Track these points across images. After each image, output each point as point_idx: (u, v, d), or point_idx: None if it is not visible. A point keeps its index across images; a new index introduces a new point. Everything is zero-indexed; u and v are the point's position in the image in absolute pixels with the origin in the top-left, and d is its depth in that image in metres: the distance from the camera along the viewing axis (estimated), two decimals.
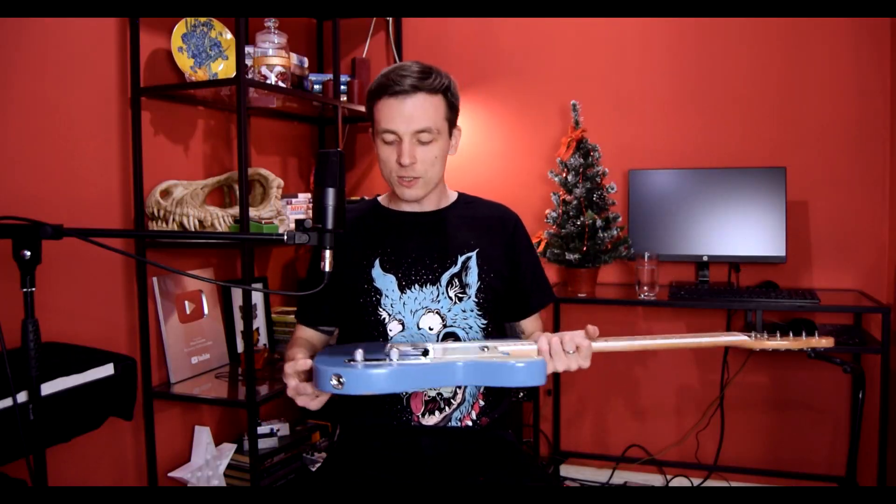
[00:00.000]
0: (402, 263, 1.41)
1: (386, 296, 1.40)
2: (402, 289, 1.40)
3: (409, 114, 1.34)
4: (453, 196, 1.54)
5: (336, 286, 1.42)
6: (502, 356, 1.20)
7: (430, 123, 1.36)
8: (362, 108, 2.60)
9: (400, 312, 1.39)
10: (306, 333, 1.52)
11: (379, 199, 1.55)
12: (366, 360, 1.15)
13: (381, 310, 1.40)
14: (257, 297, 2.49)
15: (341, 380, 1.11)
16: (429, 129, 1.36)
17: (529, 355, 1.22)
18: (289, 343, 1.52)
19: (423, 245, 1.43)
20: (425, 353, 1.21)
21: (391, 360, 1.16)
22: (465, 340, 1.38)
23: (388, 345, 1.27)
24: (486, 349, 1.25)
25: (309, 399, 1.25)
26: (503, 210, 1.55)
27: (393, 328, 1.39)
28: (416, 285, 1.40)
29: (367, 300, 1.40)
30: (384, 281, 1.40)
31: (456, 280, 1.41)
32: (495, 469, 1.34)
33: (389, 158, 1.38)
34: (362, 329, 1.41)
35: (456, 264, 1.42)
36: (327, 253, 1.17)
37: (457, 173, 2.80)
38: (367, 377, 1.12)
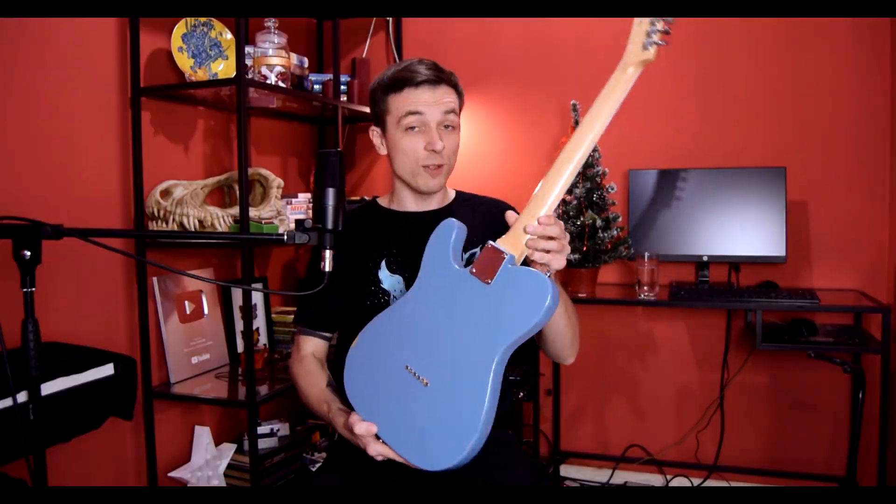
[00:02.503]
0: (409, 264, 1.41)
1: (395, 297, 1.40)
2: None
3: (437, 98, 1.37)
4: (452, 193, 1.55)
5: (340, 289, 1.42)
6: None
7: (455, 107, 1.40)
8: (362, 109, 2.60)
9: None
10: (311, 346, 1.49)
11: (378, 200, 1.55)
12: None
13: None
14: (257, 297, 2.49)
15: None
16: (455, 110, 1.40)
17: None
18: (302, 373, 1.44)
19: None
20: None
21: None
22: None
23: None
24: None
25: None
26: (502, 204, 1.55)
27: None
28: None
29: (374, 302, 1.40)
30: (392, 282, 1.41)
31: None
32: (495, 469, 1.34)
33: (415, 147, 1.38)
34: None
35: (462, 261, 1.43)
36: (327, 253, 1.17)
37: (457, 173, 2.79)
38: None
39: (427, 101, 1.36)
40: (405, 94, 1.37)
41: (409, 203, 1.48)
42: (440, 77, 1.38)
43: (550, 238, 1.14)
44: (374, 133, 1.46)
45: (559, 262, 1.15)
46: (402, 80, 1.37)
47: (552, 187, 1.15)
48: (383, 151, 1.46)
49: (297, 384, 1.47)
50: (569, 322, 1.35)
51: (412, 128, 1.37)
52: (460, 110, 1.45)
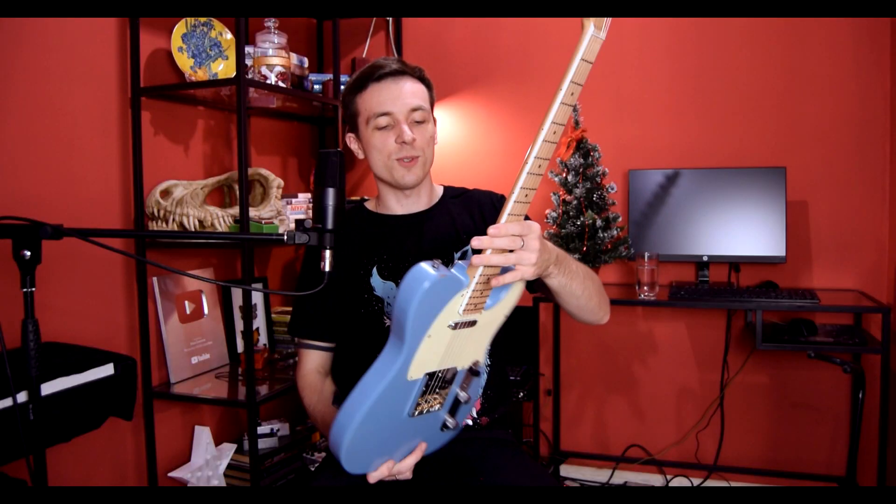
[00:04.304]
0: (401, 269, 1.39)
1: (388, 303, 1.39)
2: None
3: (402, 93, 1.37)
4: (440, 190, 1.53)
5: (334, 297, 1.41)
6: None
7: (421, 102, 1.39)
8: None
9: None
10: (313, 361, 1.46)
11: (365, 204, 1.53)
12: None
13: (385, 318, 1.39)
14: (257, 297, 2.49)
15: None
16: (422, 106, 1.39)
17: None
18: (307, 392, 1.42)
19: (419, 247, 1.42)
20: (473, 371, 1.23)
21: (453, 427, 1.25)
22: None
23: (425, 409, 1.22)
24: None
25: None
26: (491, 195, 1.53)
27: None
28: None
29: (368, 310, 1.40)
30: (385, 289, 1.40)
31: None
32: (495, 469, 1.34)
33: (386, 143, 1.37)
34: (365, 339, 1.40)
35: (453, 262, 1.41)
36: (327, 253, 1.17)
37: (456, 172, 2.80)
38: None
39: (393, 98, 1.36)
40: (370, 92, 1.37)
41: (395, 205, 1.46)
42: (402, 69, 1.38)
43: (507, 249, 1.10)
44: (350, 139, 1.46)
45: (527, 259, 1.11)
46: (365, 77, 1.38)
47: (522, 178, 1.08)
48: (361, 155, 1.45)
49: (304, 405, 1.45)
50: (589, 293, 1.30)
51: (382, 126, 1.37)
52: (432, 103, 1.44)
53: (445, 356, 1.18)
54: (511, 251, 1.11)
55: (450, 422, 1.24)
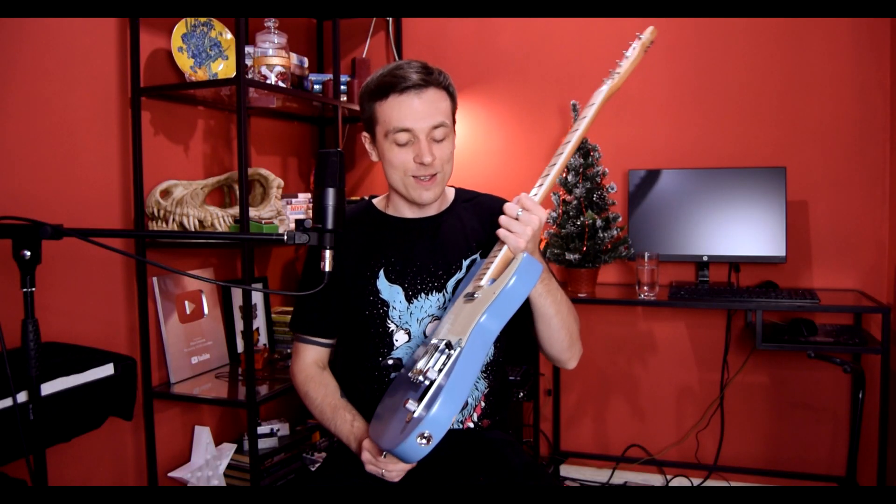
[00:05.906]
0: (408, 273, 1.38)
1: (393, 307, 1.38)
2: (409, 299, 1.38)
3: (424, 109, 1.30)
4: (451, 194, 1.51)
5: (338, 295, 1.41)
6: (492, 284, 1.21)
7: (444, 118, 1.33)
8: None
9: (407, 322, 1.38)
10: (311, 355, 1.46)
11: (375, 202, 1.51)
12: (419, 401, 1.11)
13: (388, 322, 1.38)
14: (257, 297, 2.49)
15: (426, 434, 1.06)
16: (444, 123, 1.33)
17: (508, 261, 1.23)
18: (310, 384, 1.43)
19: (427, 252, 1.40)
20: (448, 345, 1.16)
21: (435, 380, 1.12)
22: None
23: (413, 368, 1.20)
24: (474, 295, 1.22)
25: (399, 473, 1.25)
26: (504, 202, 1.51)
27: (399, 338, 1.38)
28: (423, 294, 1.38)
29: (373, 312, 1.38)
30: (391, 292, 1.38)
31: (461, 285, 1.38)
32: (495, 469, 1.34)
33: (405, 160, 1.32)
34: (368, 341, 1.39)
35: (461, 269, 1.40)
36: (327, 253, 1.17)
37: (455, 173, 2.79)
38: (440, 416, 1.07)
39: (415, 114, 1.30)
40: (391, 103, 1.31)
41: (406, 209, 1.44)
42: (427, 80, 1.31)
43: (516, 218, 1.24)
44: (366, 139, 1.42)
45: (515, 227, 1.24)
46: (387, 86, 1.31)
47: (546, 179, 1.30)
48: (375, 158, 1.41)
49: (308, 397, 1.44)
50: (562, 323, 1.33)
51: (401, 143, 1.32)
52: (454, 113, 1.38)
53: (447, 321, 1.26)
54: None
55: (411, 404, 1.13)
